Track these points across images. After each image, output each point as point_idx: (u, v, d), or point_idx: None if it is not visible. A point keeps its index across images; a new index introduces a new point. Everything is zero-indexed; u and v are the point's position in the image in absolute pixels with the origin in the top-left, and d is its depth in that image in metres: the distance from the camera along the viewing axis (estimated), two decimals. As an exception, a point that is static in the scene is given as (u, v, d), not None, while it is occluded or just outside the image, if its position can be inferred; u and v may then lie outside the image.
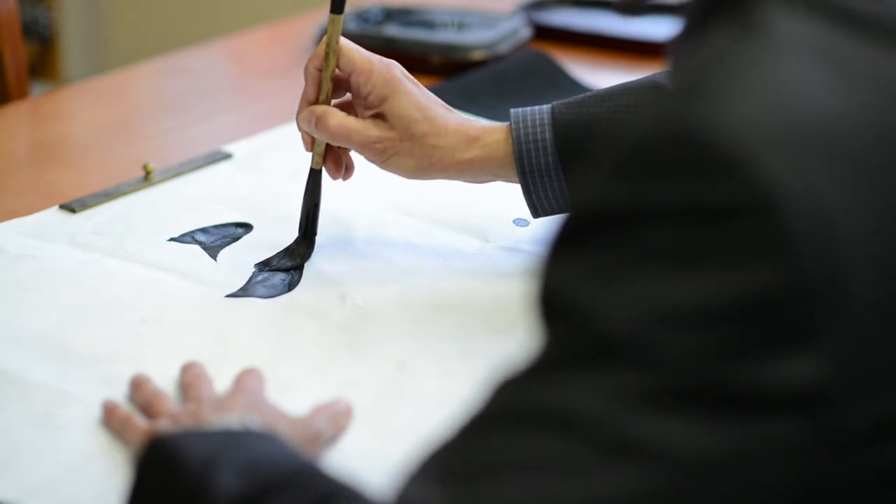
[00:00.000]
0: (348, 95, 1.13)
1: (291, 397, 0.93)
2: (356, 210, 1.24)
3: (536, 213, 1.12)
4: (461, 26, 1.72)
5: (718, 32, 0.63)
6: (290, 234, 1.19)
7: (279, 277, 1.12)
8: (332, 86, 1.11)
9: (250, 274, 1.12)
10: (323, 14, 1.81)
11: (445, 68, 1.62)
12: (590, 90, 1.58)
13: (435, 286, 1.11)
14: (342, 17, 1.10)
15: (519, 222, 1.22)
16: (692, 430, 0.57)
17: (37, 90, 1.74)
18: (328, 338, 1.03)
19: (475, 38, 1.67)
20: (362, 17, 1.74)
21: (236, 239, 1.19)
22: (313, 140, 1.13)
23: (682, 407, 0.57)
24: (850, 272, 0.57)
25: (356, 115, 1.12)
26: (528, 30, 1.74)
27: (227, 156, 1.37)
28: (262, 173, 1.33)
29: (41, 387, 0.95)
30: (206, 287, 1.10)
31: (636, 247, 0.58)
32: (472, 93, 1.52)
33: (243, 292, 1.09)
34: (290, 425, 0.87)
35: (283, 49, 1.76)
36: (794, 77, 0.60)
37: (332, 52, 1.10)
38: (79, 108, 1.58)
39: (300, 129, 1.13)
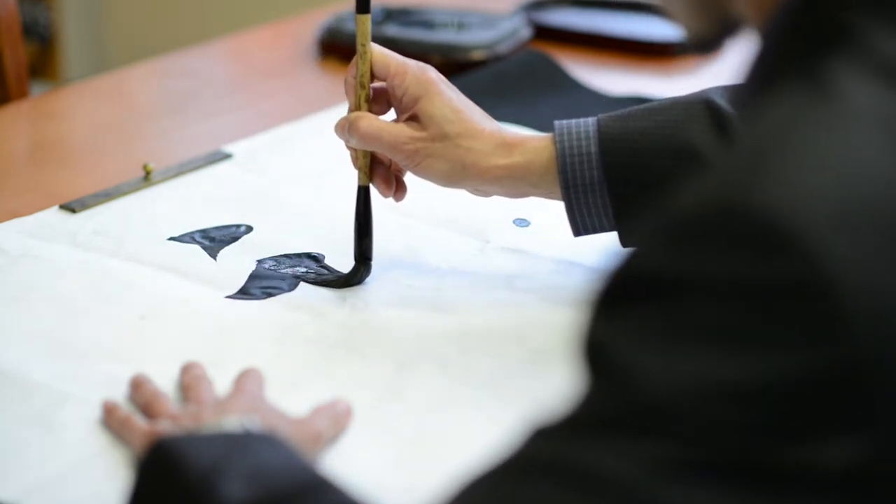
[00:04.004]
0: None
1: (291, 398, 0.93)
2: (356, 210, 1.24)
3: (577, 230, 1.09)
4: (461, 26, 1.71)
5: (787, 94, 0.62)
6: (290, 234, 1.19)
7: (279, 277, 1.11)
8: (367, 92, 1.08)
9: (250, 274, 1.12)
10: (323, 14, 1.81)
11: (445, 68, 1.61)
12: (590, 90, 1.59)
13: (435, 286, 1.11)
14: (369, 16, 1.06)
15: (519, 222, 1.22)
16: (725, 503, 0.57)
17: (37, 90, 1.74)
18: (328, 338, 1.03)
19: (475, 38, 1.67)
20: (362, 17, 1.73)
21: (236, 239, 1.18)
22: (358, 155, 1.10)
23: (718, 480, 0.57)
24: None
25: None
26: (528, 30, 1.74)
27: (227, 156, 1.37)
28: (263, 174, 1.33)
29: (41, 387, 0.95)
30: (206, 287, 1.10)
31: (686, 317, 0.58)
32: (472, 93, 1.51)
33: (243, 292, 1.09)
34: (290, 426, 0.87)
35: (284, 49, 1.76)
36: (862, 153, 0.59)
37: (361, 53, 1.07)
38: (79, 108, 1.58)
39: (347, 143, 1.09)
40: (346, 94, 1.09)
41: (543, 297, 1.09)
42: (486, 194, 1.10)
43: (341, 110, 1.50)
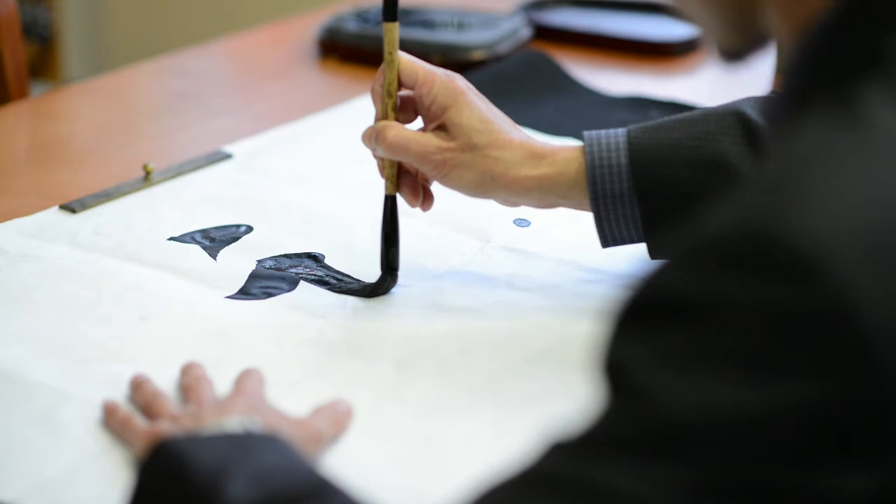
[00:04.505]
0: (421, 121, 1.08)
1: (291, 398, 0.93)
2: (357, 211, 1.24)
3: (606, 242, 1.08)
4: (461, 26, 1.72)
5: (817, 118, 0.62)
6: (290, 234, 1.19)
7: (279, 277, 1.11)
8: (394, 100, 1.06)
9: (250, 274, 1.12)
10: (323, 14, 1.81)
11: (445, 68, 1.62)
12: (590, 90, 1.59)
13: (435, 286, 1.11)
14: (397, 24, 1.05)
15: (519, 222, 1.22)
16: None
17: (37, 90, 1.74)
18: (328, 338, 1.03)
19: (475, 38, 1.67)
20: (362, 17, 1.74)
21: (236, 239, 1.18)
22: (385, 164, 1.08)
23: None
24: None
25: None
26: (528, 30, 1.74)
27: (227, 156, 1.37)
28: (262, 174, 1.33)
29: (41, 387, 0.95)
30: (206, 287, 1.10)
31: (710, 342, 0.58)
32: (472, 93, 1.52)
33: (243, 292, 1.09)
34: (290, 426, 0.87)
35: (283, 49, 1.77)
36: (891, 183, 0.58)
37: (389, 61, 1.05)
38: (79, 108, 1.58)
39: (374, 152, 1.08)
40: (373, 102, 1.07)
41: (543, 297, 1.09)
42: (515, 204, 1.09)
43: (341, 110, 1.51)
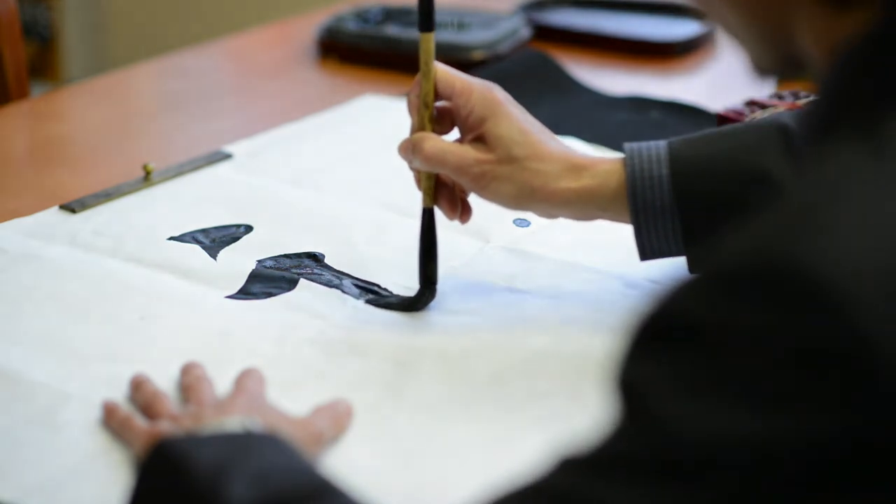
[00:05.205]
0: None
1: (292, 398, 0.93)
2: (357, 212, 1.24)
3: (645, 254, 1.06)
4: (461, 26, 1.72)
5: (843, 147, 0.61)
6: (290, 234, 1.19)
7: (279, 277, 1.11)
8: (431, 111, 1.04)
9: (250, 274, 1.12)
10: (323, 14, 1.81)
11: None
12: (590, 90, 1.59)
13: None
14: (433, 35, 1.03)
15: (519, 222, 1.22)
16: None
17: (37, 90, 1.74)
18: (328, 338, 1.03)
19: (475, 38, 1.67)
20: (362, 17, 1.74)
21: (236, 239, 1.19)
22: (422, 177, 1.06)
23: None
24: None
25: None
26: (528, 30, 1.74)
27: (227, 156, 1.37)
28: (263, 174, 1.33)
29: (41, 387, 0.95)
30: (206, 287, 1.10)
31: (721, 368, 0.58)
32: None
33: (243, 292, 1.09)
34: (291, 426, 0.87)
35: (283, 49, 1.77)
36: None
37: (425, 72, 1.04)
38: (79, 108, 1.58)
39: (411, 164, 1.06)
40: (409, 113, 1.06)
41: (543, 298, 1.09)
42: (553, 216, 1.07)
43: (341, 110, 1.51)
